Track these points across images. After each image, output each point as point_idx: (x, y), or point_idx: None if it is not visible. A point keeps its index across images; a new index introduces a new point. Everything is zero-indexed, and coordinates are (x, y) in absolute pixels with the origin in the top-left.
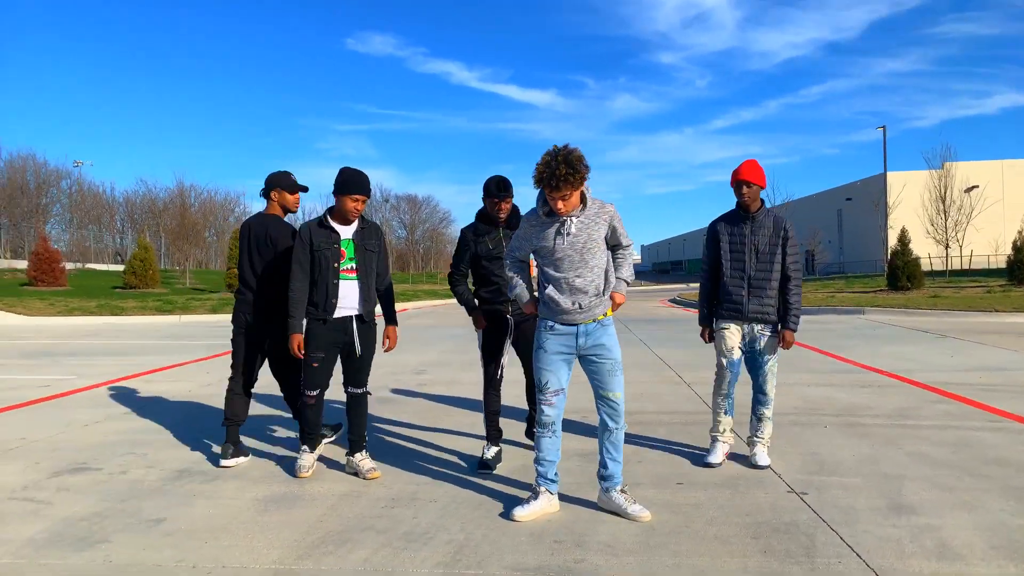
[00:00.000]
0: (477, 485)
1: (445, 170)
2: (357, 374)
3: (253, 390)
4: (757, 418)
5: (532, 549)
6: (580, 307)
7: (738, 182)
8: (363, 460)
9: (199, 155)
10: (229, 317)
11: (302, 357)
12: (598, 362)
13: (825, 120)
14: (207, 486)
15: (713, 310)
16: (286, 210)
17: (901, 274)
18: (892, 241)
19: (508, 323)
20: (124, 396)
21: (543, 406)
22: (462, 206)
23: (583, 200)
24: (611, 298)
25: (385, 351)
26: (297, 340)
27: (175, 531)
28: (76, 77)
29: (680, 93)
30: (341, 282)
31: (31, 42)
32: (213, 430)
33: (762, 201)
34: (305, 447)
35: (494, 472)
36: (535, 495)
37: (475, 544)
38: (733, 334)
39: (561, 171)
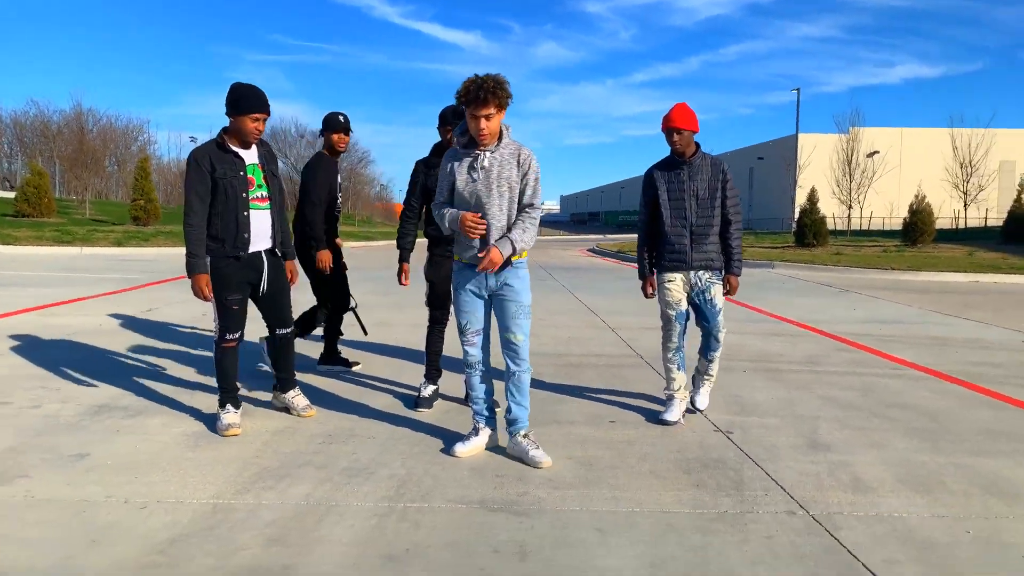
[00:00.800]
0: (415, 423)
1: (364, 108)
2: (280, 312)
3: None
4: (708, 360)
5: (475, 483)
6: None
7: (669, 129)
8: (296, 397)
9: (99, 77)
10: (136, 251)
11: (210, 300)
12: (504, 302)
13: (742, 80)
14: (129, 421)
15: (653, 262)
16: (332, 150)
17: (808, 232)
18: (801, 200)
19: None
20: (26, 329)
21: (465, 347)
22: (382, 146)
23: (500, 137)
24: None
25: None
26: (204, 280)
27: (99, 466)
28: None
29: (604, 44)
30: (252, 212)
31: None
32: (130, 365)
33: (697, 145)
34: (229, 406)
35: (431, 410)
36: (474, 431)
37: (417, 479)
38: (678, 286)
39: (489, 84)
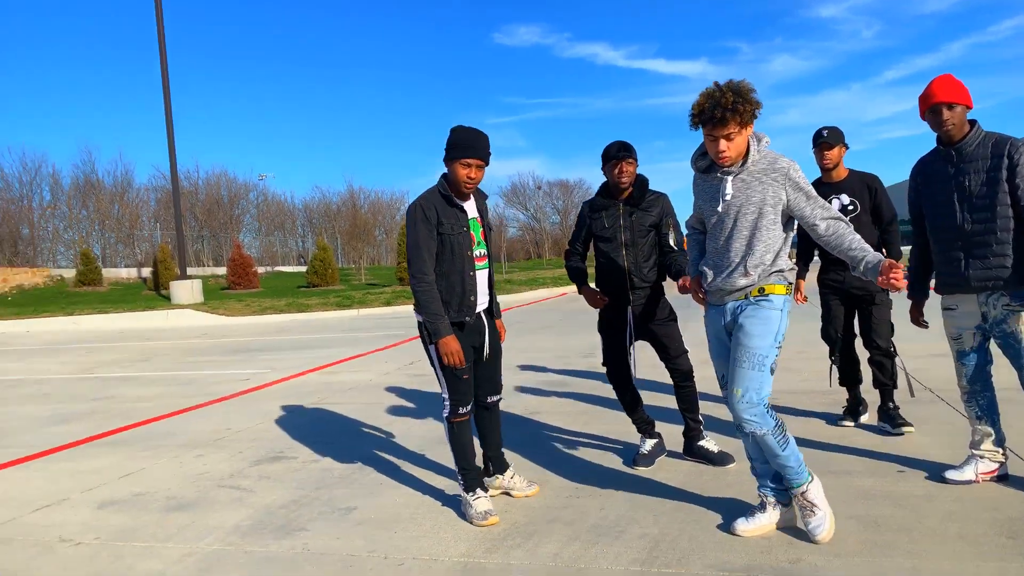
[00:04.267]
0: (668, 473)
1: (594, 153)
2: (493, 379)
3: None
4: None
5: (738, 546)
6: (722, 282)
7: (934, 106)
8: (515, 477)
9: (366, 159)
10: (403, 308)
11: (463, 364)
12: (733, 345)
13: (1021, 57)
14: (393, 474)
15: (927, 282)
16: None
17: None
18: None
19: (628, 317)
20: (312, 387)
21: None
22: None
23: (747, 154)
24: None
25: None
26: (456, 341)
27: (365, 520)
28: (252, 95)
29: (843, 47)
30: (477, 273)
31: (213, 73)
32: (395, 419)
33: (972, 124)
34: (479, 490)
35: (688, 462)
36: (760, 506)
37: (671, 539)
38: (960, 315)
39: (728, 99)
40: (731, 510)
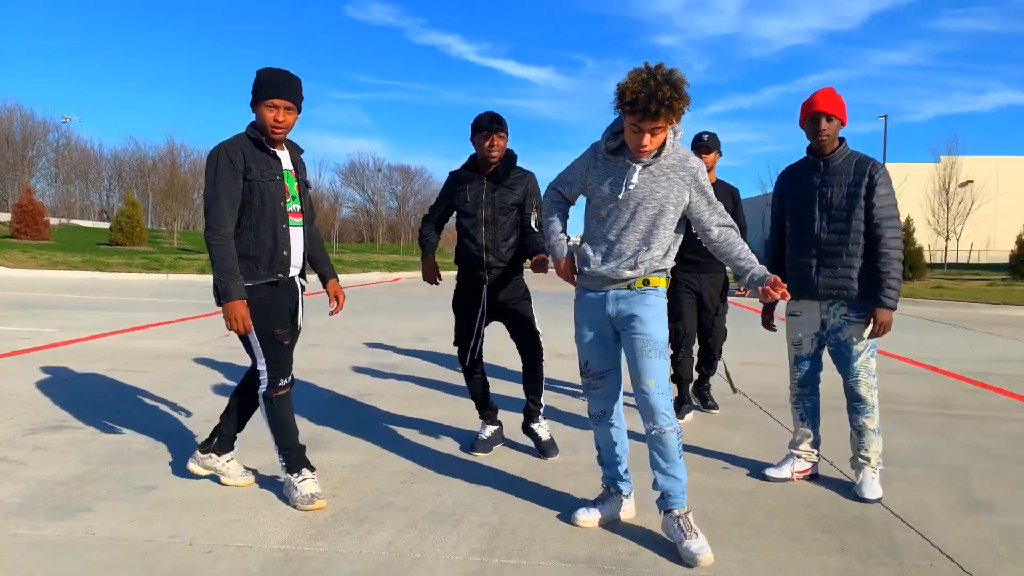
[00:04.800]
0: (506, 461)
1: (439, 144)
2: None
3: None
4: (856, 431)
5: (579, 537)
6: (608, 271)
7: (814, 115)
8: (231, 463)
9: (191, 115)
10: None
11: (250, 331)
12: (629, 338)
13: None
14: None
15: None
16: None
17: (904, 263)
18: None
19: (482, 296)
20: (109, 352)
21: (586, 391)
22: None
23: (662, 145)
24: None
25: (332, 315)
26: (244, 307)
27: (167, 501)
28: (64, 27)
29: None
30: (291, 229)
31: None
32: (206, 391)
33: (841, 140)
34: (305, 470)
35: (529, 453)
36: (602, 497)
37: (512, 529)
38: (803, 322)
39: (664, 93)
40: (571, 500)
